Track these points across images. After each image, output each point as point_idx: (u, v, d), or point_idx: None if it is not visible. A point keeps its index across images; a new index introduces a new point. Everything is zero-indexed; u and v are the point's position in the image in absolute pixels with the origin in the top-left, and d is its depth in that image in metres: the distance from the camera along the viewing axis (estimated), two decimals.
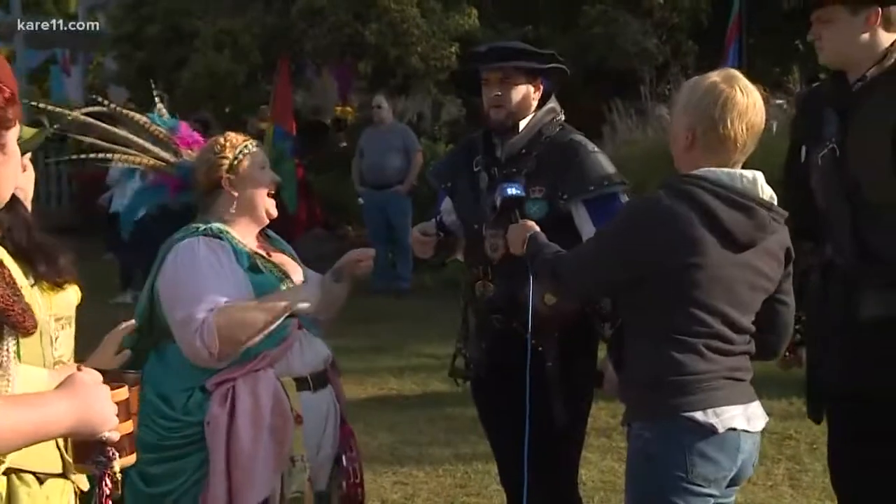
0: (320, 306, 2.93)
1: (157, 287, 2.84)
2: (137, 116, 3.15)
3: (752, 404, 2.55)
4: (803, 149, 3.08)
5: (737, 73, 2.54)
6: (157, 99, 3.32)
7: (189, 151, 3.07)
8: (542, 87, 3.26)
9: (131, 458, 1.87)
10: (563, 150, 3.18)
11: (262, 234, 3.05)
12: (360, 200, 10.03)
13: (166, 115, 3.21)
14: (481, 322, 3.29)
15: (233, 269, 2.81)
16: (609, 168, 3.18)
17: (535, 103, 3.25)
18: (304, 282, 2.96)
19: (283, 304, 2.79)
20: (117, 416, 1.78)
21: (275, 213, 2.98)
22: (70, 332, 2.45)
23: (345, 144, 12.44)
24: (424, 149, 10.41)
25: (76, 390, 1.72)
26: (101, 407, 1.74)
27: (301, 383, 2.86)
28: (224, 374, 2.76)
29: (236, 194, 2.91)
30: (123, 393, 1.85)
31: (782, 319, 2.63)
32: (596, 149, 3.22)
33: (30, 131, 2.40)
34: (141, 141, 3.08)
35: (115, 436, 1.79)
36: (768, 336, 2.61)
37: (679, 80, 10.29)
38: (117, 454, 1.80)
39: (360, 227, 10.57)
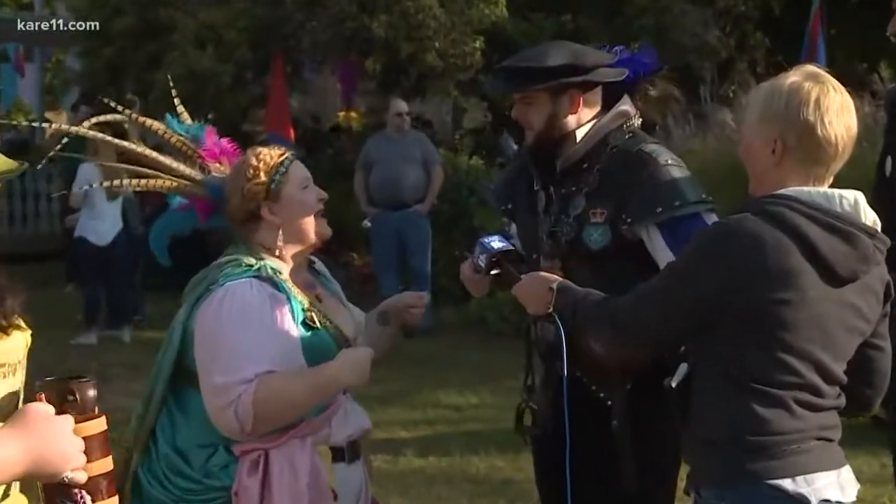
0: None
1: (190, 328, 2.82)
2: (155, 124, 3.06)
3: (844, 469, 2.53)
4: (888, 161, 3.09)
5: (818, 69, 2.53)
6: (176, 99, 3.19)
7: (217, 165, 3.02)
8: (591, 93, 3.21)
9: (111, 502, 1.87)
10: (630, 163, 3.14)
11: (311, 267, 3.06)
12: (367, 223, 9.96)
13: (188, 120, 3.12)
14: (547, 368, 3.28)
15: (287, 327, 2.79)
16: (686, 184, 3.10)
17: (585, 112, 3.20)
18: (353, 346, 2.92)
19: (334, 383, 2.78)
20: (86, 452, 1.78)
21: (328, 232, 2.97)
22: (13, 381, 2.49)
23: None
24: (444, 161, 10.42)
25: (30, 425, 1.72)
26: (61, 444, 1.74)
27: (336, 454, 2.89)
28: (257, 442, 2.77)
29: (280, 223, 2.89)
30: (95, 426, 1.84)
31: (877, 367, 2.60)
32: (671, 160, 3.14)
33: (8, 162, 2.48)
34: (159, 156, 3.00)
35: (82, 476, 1.79)
36: (861, 388, 2.59)
37: (746, 79, 10.33)
38: (87, 497, 1.81)
39: (366, 253, 10.60)
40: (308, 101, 14.70)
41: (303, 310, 2.85)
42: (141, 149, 3.02)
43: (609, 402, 3.12)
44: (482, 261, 3.08)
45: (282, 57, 11.66)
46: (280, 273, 2.86)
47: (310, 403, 2.77)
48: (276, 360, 2.74)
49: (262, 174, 2.88)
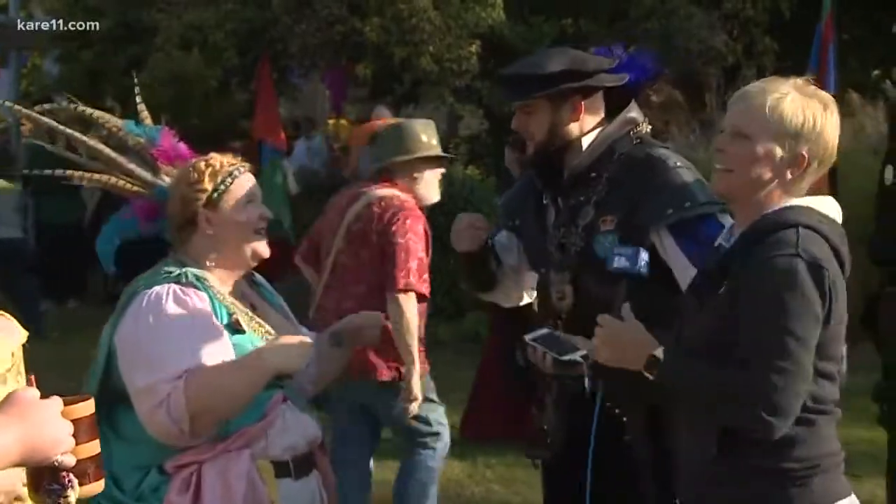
0: (315, 375, 2.95)
1: (114, 342, 2.84)
2: (111, 120, 3.09)
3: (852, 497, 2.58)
4: (889, 169, 3.15)
5: (812, 85, 2.57)
6: (138, 98, 3.24)
7: (172, 168, 3.04)
8: (592, 99, 3.23)
9: (97, 486, 1.94)
10: (639, 169, 3.18)
11: (250, 279, 3.06)
12: None
13: (149, 121, 3.15)
14: (558, 385, 3.30)
15: (210, 326, 2.80)
16: (696, 185, 3.13)
17: (588, 119, 3.23)
18: (292, 335, 2.93)
19: (267, 363, 2.77)
20: (74, 435, 1.84)
21: (266, 253, 2.96)
22: (3, 389, 2.50)
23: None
24: None
25: (21, 411, 1.78)
26: (52, 428, 1.80)
27: (281, 468, 2.88)
28: (190, 455, 2.77)
29: (214, 234, 2.89)
30: (84, 408, 1.90)
31: None
32: (681, 163, 3.18)
33: None
34: (111, 153, 3.03)
35: (70, 460, 1.85)
36: None
37: None
38: (75, 481, 1.86)
39: None
40: (296, 109, 14.73)
41: (229, 314, 2.85)
42: (93, 142, 3.04)
43: (625, 419, 3.15)
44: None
45: (269, 61, 11.69)
46: (205, 280, 2.86)
47: (247, 392, 2.76)
48: (203, 357, 2.74)
49: (205, 180, 2.90)
